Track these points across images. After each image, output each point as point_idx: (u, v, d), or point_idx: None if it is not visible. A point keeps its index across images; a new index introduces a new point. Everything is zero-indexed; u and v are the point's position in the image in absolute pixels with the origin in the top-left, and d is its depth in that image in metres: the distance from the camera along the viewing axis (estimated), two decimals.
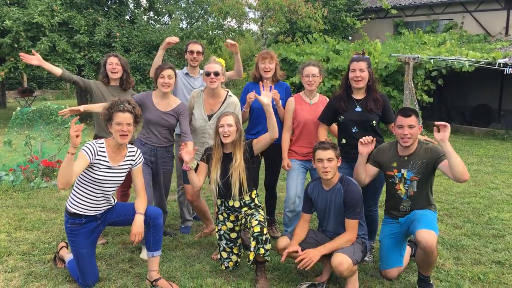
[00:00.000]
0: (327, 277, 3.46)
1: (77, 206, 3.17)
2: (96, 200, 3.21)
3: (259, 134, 3.99)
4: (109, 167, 3.17)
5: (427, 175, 3.38)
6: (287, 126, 4.08)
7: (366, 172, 3.56)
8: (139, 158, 3.36)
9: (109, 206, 3.33)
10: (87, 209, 3.20)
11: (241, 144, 3.54)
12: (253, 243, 3.28)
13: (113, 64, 4.12)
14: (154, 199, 4.09)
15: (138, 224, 3.18)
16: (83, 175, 3.15)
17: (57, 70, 4.23)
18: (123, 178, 3.30)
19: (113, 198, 3.36)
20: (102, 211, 3.28)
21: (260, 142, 3.55)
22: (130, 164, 3.30)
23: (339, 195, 3.35)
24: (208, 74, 3.85)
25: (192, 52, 4.43)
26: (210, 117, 3.97)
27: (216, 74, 3.84)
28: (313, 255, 3.19)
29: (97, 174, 3.13)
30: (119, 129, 3.10)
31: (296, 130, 4.06)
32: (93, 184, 3.16)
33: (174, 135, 4.19)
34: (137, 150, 3.36)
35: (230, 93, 4.03)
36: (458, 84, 13.48)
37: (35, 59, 4.12)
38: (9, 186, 5.95)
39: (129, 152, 3.30)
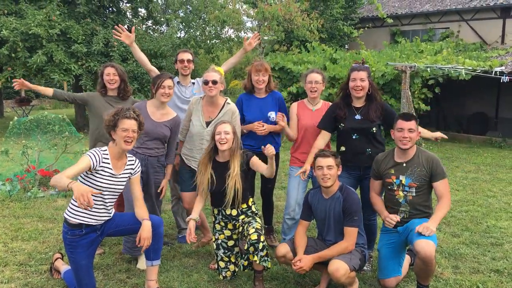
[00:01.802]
0: (325, 286, 3.44)
1: (77, 215, 3.14)
2: (96, 209, 3.18)
3: (252, 148, 4.06)
4: (112, 175, 3.16)
5: (426, 183, 3.39)
6: (291, 136, 4.13)
7: (373, 189, 3.62)
8: (138, 167, 3.36)
9: (109, 217, 3.31)
10: (87, 218, 3.16)
11: (238, 152, 3.55)
12: (250, 249, 3.30)
13: (110, 75, 4.09)
14: None
15: (147, 230, 3.18)
16: (83, 183, 3.13)
17: (48, 92, 4.18)
18: (123, 187, 3.29)
19: (112, 209, 3.35)
20: (102, 221, 3.26)
21: (256, 168, 3.61)
22: (130, 173, 3.30)
23: (339, 203, 3.35)
24: (206, 82, 3.87)
25: (182, 61, 4.43)
26: (208, 123, 3.98)
27: (214, 82, 3.86)
28: (305, 262, 3.19)
29: (100, 182, 3.11)
30: (124, 135, 3.11)
31: (298, 136, 4.08)
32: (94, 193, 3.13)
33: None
34: (135, 159, 3.37)
35: (228, 100, 4.05)
36: (455, 93, 13.54)
37: (24, 85, 4.11)
38: (5, 196, 5.92)
39: (128, 160, 3.30)
